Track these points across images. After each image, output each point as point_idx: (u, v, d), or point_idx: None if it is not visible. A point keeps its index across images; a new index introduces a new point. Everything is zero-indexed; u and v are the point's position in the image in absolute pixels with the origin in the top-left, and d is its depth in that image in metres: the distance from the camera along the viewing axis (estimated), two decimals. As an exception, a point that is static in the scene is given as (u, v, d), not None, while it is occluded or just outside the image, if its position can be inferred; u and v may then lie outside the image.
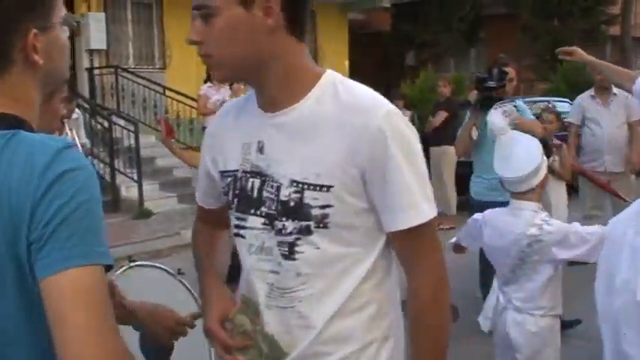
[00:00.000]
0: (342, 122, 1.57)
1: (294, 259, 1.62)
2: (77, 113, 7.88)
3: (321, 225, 1.59)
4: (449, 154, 9.53)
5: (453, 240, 3.58)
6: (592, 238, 3.11)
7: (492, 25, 20.82)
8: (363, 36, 21.40)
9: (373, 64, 21.36)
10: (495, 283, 3.63)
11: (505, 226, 3.28)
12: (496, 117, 4.39)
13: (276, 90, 1.61)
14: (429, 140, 9.86)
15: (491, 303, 3.31)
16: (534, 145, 3.30)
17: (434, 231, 1.66)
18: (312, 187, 1.58)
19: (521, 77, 21.06)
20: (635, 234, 2.83)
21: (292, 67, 1.60)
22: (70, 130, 6.69)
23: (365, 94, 1.62)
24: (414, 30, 19.46)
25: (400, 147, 1.56)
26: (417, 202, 1.59)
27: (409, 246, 1.64)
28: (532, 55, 19.30)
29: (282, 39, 1.57)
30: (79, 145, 6.19)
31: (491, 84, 5.24)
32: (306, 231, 1.60)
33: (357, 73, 20.50)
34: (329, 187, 1.57)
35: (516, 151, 3.27)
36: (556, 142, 6.12)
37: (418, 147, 1.63)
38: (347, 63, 17.32)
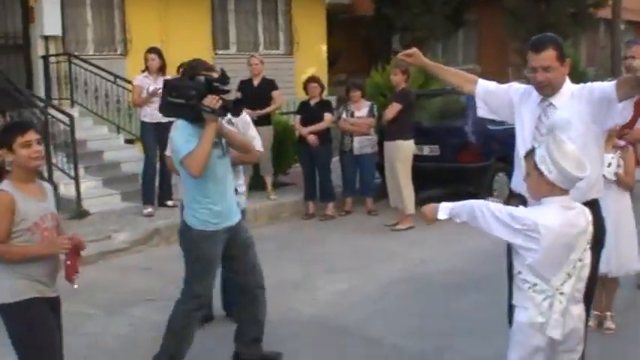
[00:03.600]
0: None
1: None
2: None
3: None
4: (404, 149, 8.95)
5: None
6: None
7: (478, 8, 20.14)
8: (346, 20, 20.80)
9: (358, 50, 20.77)
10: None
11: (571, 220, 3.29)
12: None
13: None
14: (384, 134, 9.32)
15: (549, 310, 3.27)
16: None
17: None
18: None
19: (510, 61, 20.50)
20: None
21: None
22: None
23: None
24: (397, 13, 18.79)
25: None
26: None
27: None
28: (519, 38, 18.66)
29: None
30: None
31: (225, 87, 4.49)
32: None
33: (341, 58, 19.99)
34: None
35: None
36: (619, 142, 5.17)
37: None
38: (325, 47, 16.69)
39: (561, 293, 3.24)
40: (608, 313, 5.42)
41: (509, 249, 3.53)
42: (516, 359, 3.37)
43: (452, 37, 21.16)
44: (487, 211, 3.31)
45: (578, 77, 5.97)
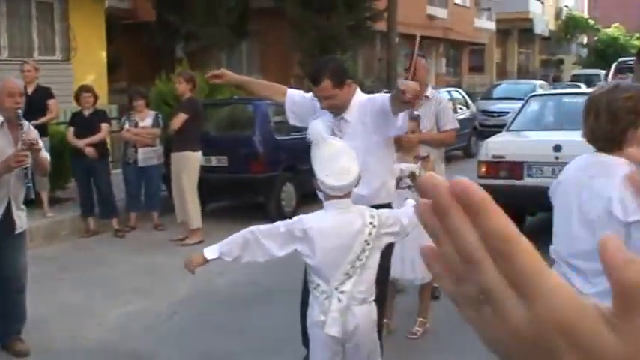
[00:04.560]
0: None
1: None
2: None
3: None
4: (190, 161, 8.72)
5: None
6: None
7: (261, 19, 20.29)
8: (128, 26, 20.11)
9: (141, 57, 20.14)
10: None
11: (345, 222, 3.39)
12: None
13: None
14: (171, 145, 9.02)
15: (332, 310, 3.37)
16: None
17: None
18: None
19: (292, 72, 20.83)
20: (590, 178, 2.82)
21: None
22: None
23: None
24: (181, 21, 18.42)
25: None
26: None
27: None
28: (301, 50, 19.04)
29: None
30: None
31: None
32: None
33: (122, 64, 19.29)
34: None
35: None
36: (422, 153, 5.32)
37: None
38: (104, 54, 15.98)
39: (341, 292, 3.35)
40: (420, 319, 5.58)
41: None
42: (315, 356, 3.58)
43: (236, 47, 21.15)
44: (257, 232, 3.35)
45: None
